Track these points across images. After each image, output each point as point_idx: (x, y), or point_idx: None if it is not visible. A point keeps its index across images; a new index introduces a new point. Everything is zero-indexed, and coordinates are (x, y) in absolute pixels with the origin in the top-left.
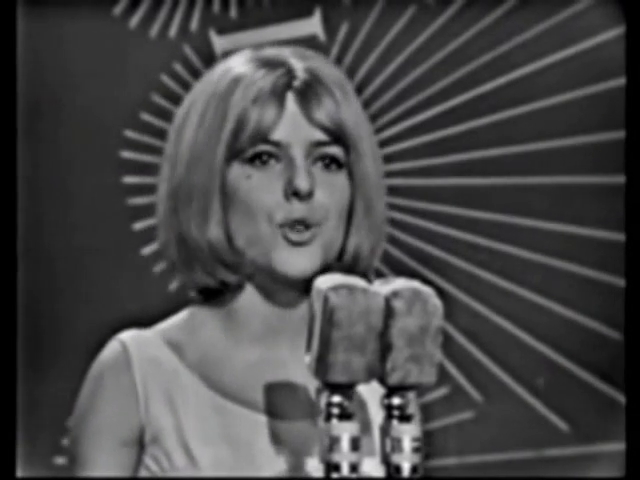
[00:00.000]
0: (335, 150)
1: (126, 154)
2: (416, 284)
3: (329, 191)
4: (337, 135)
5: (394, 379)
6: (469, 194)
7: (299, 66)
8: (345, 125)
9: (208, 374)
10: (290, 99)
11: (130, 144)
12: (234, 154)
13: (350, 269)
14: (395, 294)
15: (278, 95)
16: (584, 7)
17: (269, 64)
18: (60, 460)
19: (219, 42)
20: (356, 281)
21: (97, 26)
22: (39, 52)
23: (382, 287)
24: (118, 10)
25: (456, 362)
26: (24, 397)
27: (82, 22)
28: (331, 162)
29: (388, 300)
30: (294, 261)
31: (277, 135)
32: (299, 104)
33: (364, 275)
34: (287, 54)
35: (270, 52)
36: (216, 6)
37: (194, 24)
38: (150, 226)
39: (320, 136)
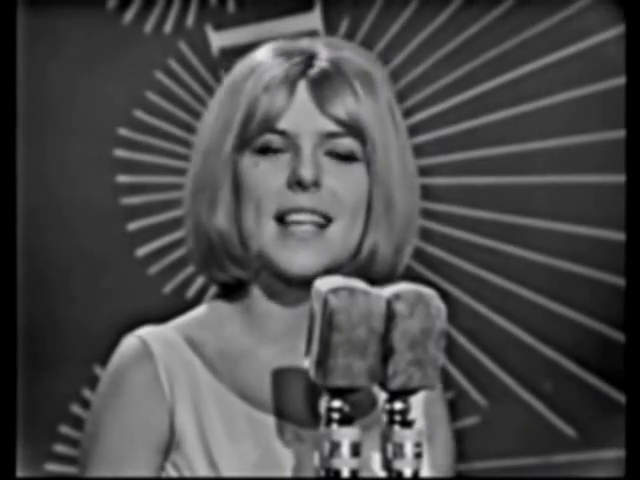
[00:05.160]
0: (348, 142)
1: (120, 152)
2: (418, 286)
3: (343, 183)
4: (351, 127)
5: (396, 383)
6: (470, 193)
7: (323, 55)
8: (361, 118)
9: (227, 374)
10: (302, 88)
11: (124, 142)
12: (244, 143)
13: (365, 269)
14: (397, 296)
15: (289, 83)
16: (584, 7)
17: (288, 53)
18: (52, 467)
19: (216, 38)
20: (357, 283)
21: (90, 22)
22: (36, 50)
23: (384, 289)
24: (111, 5)
25: (460, 366)
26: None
27: (75, 18)
28: (347, 155)
29: (390, 302)
30: (296, 259)
31: (284, 124)
32: (312, 93)
33: (387, 279)
34: (317, 43)
35: (299, 42)
36: (213, 1)
37: (190, 19)
38: (144, 227)
39: (332, 127)
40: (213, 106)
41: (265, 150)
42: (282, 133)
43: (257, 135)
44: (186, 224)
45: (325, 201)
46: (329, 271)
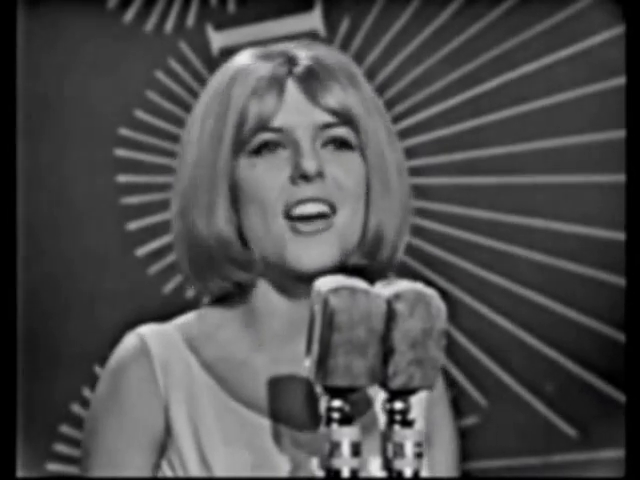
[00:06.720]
0: (343, 132)
1: (120, 152)
2: (419, 286)
3: (343, 171)
4: (344, 117)
5: (396, 383)
6: (470, 193)
7: (302, 55)
8: (352, 107)
9: (225, 377)
10: (291, 86)
11: (124, 142)
12: (239, 147)
13: (371, 254)
14: (397, 296)
15: (277, 83)
16: (584, 7)
17: (269, 56)
18: (52, 466)
19: (216, 38)
20: (357, 283)
21: (90, 21)
22: (36, 50)
23: (384, 289)
24: (112, 4)
25: (460, 366)
26: (18, 403)
27: (75, 17)
28: (342, 144)
29: (390, 302)
30: (308, 255)
31: (278, 122)
32: (302, 90)
33: (390, 263)
34: (291, 46)
35: (274, 47)
36: (213, 0)
37: (191, 19)
38: (144, 226)
39: (326, 118)
40: (196, 118)
41: (260, 150)
42: (278, 130)
43: (251, 137)
44: (177, 241)
45: (329, 190)
46: (340, 261)
